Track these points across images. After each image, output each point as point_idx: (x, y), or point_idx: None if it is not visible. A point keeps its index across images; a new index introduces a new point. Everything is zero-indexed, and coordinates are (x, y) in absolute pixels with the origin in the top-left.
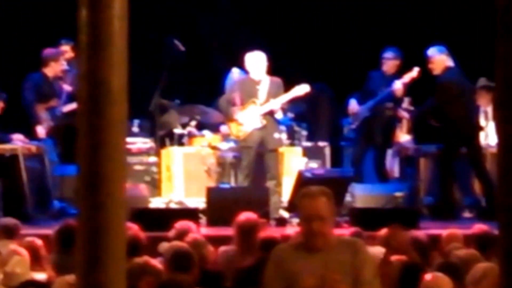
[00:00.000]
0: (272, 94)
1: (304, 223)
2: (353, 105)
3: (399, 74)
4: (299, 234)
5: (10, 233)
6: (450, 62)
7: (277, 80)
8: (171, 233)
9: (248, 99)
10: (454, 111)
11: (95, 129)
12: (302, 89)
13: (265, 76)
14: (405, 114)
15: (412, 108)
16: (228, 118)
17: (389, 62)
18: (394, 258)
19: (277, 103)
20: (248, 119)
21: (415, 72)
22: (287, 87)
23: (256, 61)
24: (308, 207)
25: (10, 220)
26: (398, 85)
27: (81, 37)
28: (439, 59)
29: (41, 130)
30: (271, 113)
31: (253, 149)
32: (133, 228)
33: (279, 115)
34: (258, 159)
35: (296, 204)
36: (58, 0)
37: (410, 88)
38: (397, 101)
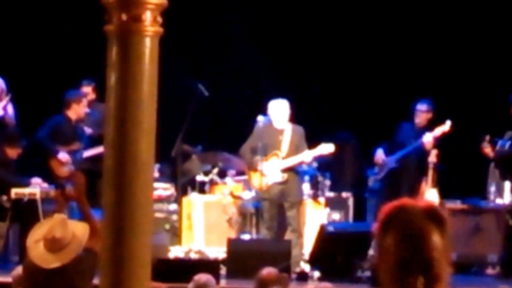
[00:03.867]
0: (295, 143)
1: None
2: (379, 155)
3: (429, 126)
4: None
5: None
6: None
7: (299, 129)
8: (190, 286)
9: (271, 149)
10: None
11: (120, 204)
12: (327, 148)
13: (288, 124)
14: (489, 152)
15: (436, 161)
16: (250, 167)
17: (422, 114)
18: None
19: (299, 159)
20: (270, 172)
21: (447, 126)
22: (313, 135)
23: (279, 109)
24: None
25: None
26: (428, 138)
27: (109, 102)
28: None
29: (63, 155)
30: (292, 167)
31: (274, 201)
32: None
33: (303, 167)
34: (280, 211)
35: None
36: (80, 40)
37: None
38: (425, 154)
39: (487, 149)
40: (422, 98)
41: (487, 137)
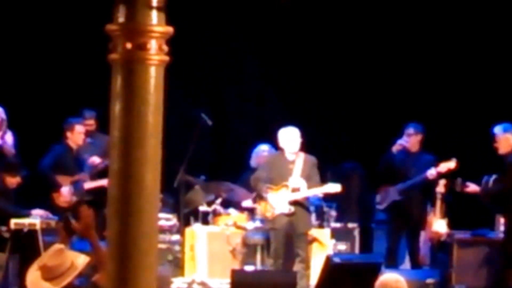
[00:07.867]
0: (306, 173)
1: None
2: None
3: (423, 149)
4: None
5: None
6: None
7: (311, 158)
8: None
9: (280, 179)
10: None
11: (125, 234)
12: (334, 188)
13: (299, 154)
14: (473, 188)
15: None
16: (259, 197)
17: (411, 138)
18: None
19: (306, 194)
20: (278, 202)
21: (453, 163)
22: (319, 166)
23: (290, 138)
24: None
25: None
26: (432, 173)
27: (113, 132)
28: (504, 138)
29: (65, 189)
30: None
31: (282, 231)
32: None
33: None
34: (287, 241)
35: None
36: (83, 69)
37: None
38: (430, 185)
39: (469, 189)
40: (409, 122)
41: (459, 180)
